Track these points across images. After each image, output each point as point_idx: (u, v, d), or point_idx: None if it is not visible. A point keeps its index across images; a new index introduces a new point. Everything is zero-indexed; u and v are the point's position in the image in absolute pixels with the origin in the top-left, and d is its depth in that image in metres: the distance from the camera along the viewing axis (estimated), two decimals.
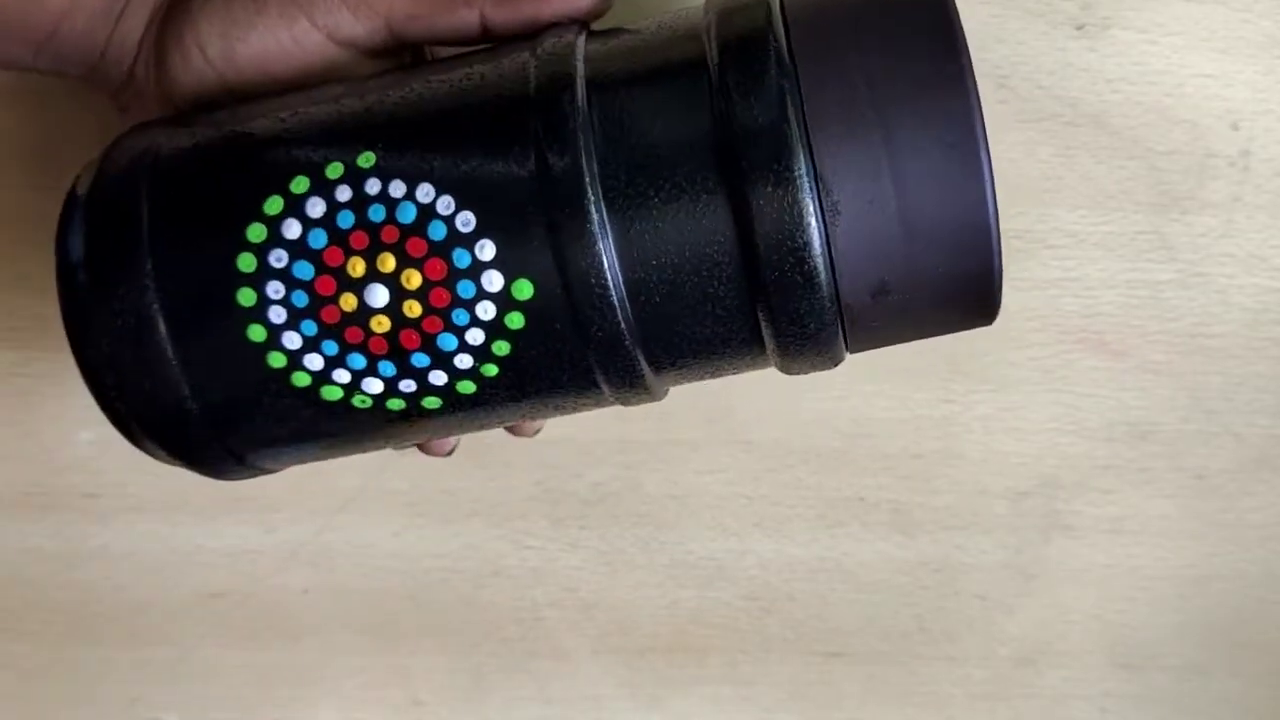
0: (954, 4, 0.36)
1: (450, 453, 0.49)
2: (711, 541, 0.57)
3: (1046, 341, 0.53)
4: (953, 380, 0.54)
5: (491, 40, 0.41)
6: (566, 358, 0.38)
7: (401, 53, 0.43)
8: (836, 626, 0.59)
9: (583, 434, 0.55)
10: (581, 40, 0.39)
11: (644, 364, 0.38)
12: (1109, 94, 0.48)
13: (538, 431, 0.50)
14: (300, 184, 0.37)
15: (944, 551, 0.57)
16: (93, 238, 0.39)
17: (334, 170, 0.37)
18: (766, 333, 0.37)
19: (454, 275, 0.37)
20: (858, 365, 0.45)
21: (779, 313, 0.36)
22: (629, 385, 0.39)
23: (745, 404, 0.55)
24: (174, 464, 0.41)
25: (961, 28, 0.36)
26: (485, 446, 0.55)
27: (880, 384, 0.54)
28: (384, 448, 0.42)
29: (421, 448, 0.48)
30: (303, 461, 0.42)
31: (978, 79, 0.34)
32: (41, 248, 0.53)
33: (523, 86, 0.37)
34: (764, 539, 0.57)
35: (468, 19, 0.40)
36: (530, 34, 0.40)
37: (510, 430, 0.48)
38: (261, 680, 0.59)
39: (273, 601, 0.58)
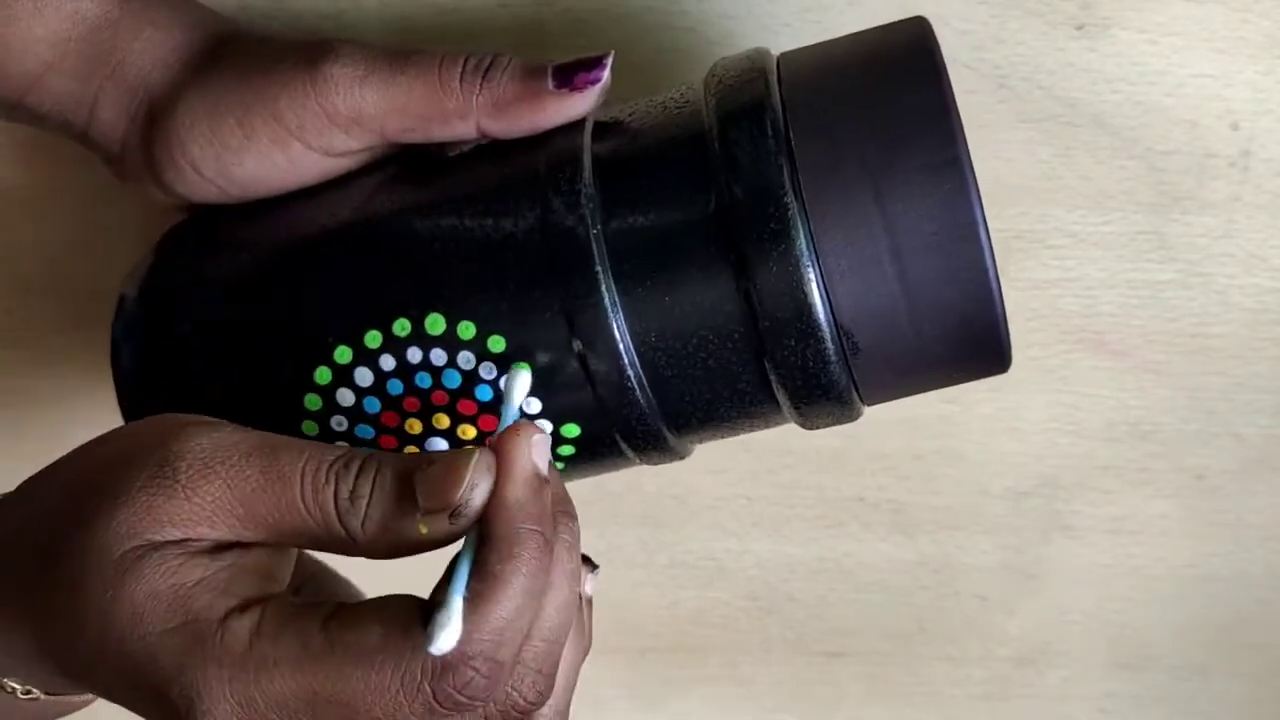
0: (949, 84, 0.37)
1: None
2: (711, 541, 0.57)
3: (1046, 341, 0.53)
4: None
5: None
6: (613, 462, 0.41)
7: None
8: (836, 626, 0.59)
9: None
10: (588, 165, 0.39)
11: (677, 448, 0.41)
12: (1109, 94, 0.48)
13: None
14: (344, 354, 0.39)
15: (944, 551, 0.57)
16: (143, 354, 0.42)
17: (373, 340, 0.38)
18: (783, 401, 0.39)
19: None
20: None
21: (794, 388, 0.38)
22: (663, 460, 0.42)
23: None
24: None
25: (955, 104, 0.37)
26: None
27: None
28: None
29: None
30: None
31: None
32: (41, 249, 0.53)
33: (541, 256, 0.38)
34: (764, 539, 0.57)
35: (464, 131, 0.40)
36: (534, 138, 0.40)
37: None
38: None
39: None
